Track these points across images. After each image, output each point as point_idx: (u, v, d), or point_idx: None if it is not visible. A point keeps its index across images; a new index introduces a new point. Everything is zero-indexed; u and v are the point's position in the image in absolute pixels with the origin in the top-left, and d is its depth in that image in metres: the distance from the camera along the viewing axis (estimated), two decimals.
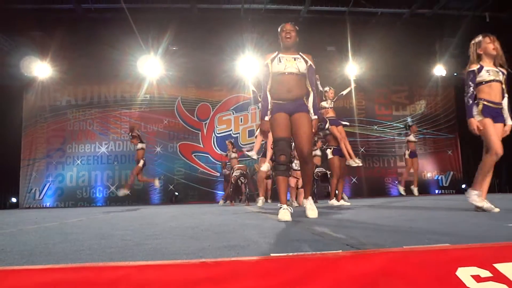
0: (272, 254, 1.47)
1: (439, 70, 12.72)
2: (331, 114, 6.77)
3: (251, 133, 12.41)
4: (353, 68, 12.19)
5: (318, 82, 6.87)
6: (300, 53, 3.50)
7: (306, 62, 3.43)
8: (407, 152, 9.53)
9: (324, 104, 6.83)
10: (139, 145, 8.76)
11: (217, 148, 12.67)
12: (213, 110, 12.88)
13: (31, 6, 10.37)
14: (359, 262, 1.31)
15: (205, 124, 12.82)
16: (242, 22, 11.10)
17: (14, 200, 12.60)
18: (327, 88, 6.98)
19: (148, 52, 11.32)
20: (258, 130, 5.78)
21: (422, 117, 13.60)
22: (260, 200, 6.64)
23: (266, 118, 3.39)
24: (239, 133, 12.77)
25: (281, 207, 3.19)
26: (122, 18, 10.56)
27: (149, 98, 12.82)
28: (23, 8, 10.34)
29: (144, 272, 1.22)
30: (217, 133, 12.79)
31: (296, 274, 1.27)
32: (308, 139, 3.31)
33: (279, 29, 3.56)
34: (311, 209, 3.33)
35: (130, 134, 9.01)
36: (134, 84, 12.66)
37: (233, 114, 12.81)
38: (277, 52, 3.52)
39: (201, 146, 12.56)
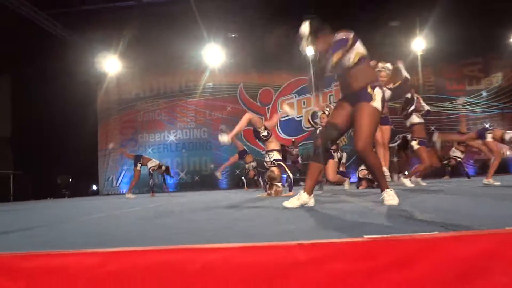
0: (365, 236, 1.45)
1: None
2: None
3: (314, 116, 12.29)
4: (419, 43, 11.57)
5: (401, 66, 6.17)
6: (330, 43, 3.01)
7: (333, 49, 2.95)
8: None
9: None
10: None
11: (281, 132, 12.70)
12: (275, 94, 12.89)
13: (98, 6, 10.96)
14: (460, 244, 1.26)
15: (268, 108, 12.87)
16: (301, 4, 10.88)
17: (94, 187, 13.63)
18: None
19: (209, 41, 11.54)
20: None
21: (499, 91, 12.61)
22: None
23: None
24: (302, 116, 12.69)
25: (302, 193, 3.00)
26: (183, 10, 10.84)
27: (212, 86, 13.10)
28: (91, 8, 10.96)
29: (243, 253, 1.25)
30: (280, 117, 12.79)
31: (395, 256, 1.24)
32: (363, 133, 2.84)
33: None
34: (390, 198, 2.86)
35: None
36: (197, 73, 13.02)
37: (296, 97, 12.72)
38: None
39: None
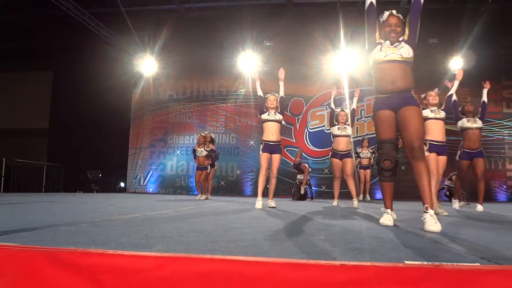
0: (406, 262, 1.47)
1: None
2: None
3: None
4: (458, 62, 11.37)
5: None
6: (404, 39, 3.11)
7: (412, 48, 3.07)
8: None
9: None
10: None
11: (309, 143, 12.69)
12: (306, 105, 12.90)
13: (140, 7, 11.31)
14: (506, 278, 1.26)
15: (298, 119, 12.89)
16: (337, 16, 10.91)
17: (122, 184, 13.95)
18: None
19: (244, 47, 11.69)
20: None
21: None
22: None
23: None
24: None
25: (385, 212, 3.05)
26: (221, 16, 11.07)
27: (244, 93, 13.22)
28: (133, 10, 11.32)
29: (289, 270, 1.29)
30: (310, 129, 12.79)
31: (438, 285, 1.26)
32: (419, 133, 2.91)
33: (380, 19, 3.17)
34: (433, 221, 2.63)
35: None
36: (230, 79, 13.19)
37: (327, 109, 12.68)
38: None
39: (294, 141, 12.67)
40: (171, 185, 13.43)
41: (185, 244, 1.83)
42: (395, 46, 3.05)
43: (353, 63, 11.39)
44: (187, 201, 7.03)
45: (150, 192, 13.46)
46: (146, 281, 1.23)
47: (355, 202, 6.47)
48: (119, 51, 12.22)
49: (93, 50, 11.78)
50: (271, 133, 5.55)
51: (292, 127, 12.88)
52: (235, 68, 12.43)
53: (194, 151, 9.42)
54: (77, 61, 12.27)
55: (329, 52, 11.40)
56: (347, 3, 10.86)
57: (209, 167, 9.35)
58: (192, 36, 11.94)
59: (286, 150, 12.62)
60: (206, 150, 9.12)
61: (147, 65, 12.59)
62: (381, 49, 3.09)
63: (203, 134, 9.41)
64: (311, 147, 12.65)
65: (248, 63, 12.07)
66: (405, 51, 3.02)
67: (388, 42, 3.09)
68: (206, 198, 8.95)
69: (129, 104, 14.02)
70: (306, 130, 12.78)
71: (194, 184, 13.09)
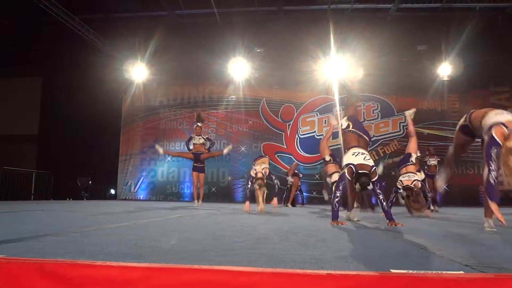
0: (392, 270, 1.49)
1: None
2: None
3: (335, 135, 12.24)
4: (446, 68, 11.52)
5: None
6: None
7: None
8: None
9: None
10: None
11: (300, 149, 12.73)
12: (297, 112, 12.95)
13: (130, 14, 11.31)
14: (489, 286, 1.28)
15: (289, 125, 12.93)
16: (328, 23, 11.00)
17: (112, 191, 13.83)
18: None
19: (235, 54, 11.73)
20: None
21: None
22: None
23: None
24: (322, 134, 12.69)
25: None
26: (212, 23, 11.10)
27: (235, 99, 13.24)
28: (124, 16, 11.31)
29: (275, 279, 1.31)
30: (301, 135, 12.83)
31: None
32: None
33: None
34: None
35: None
36: (221, 85, 13.19)
37: (317, 115, 12.76)
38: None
39: (285, 147, 12.70)
40: (162, 192, 13.36)
41: (174, 253, 1.84)
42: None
43: (343, 69, 11.47)
44: (178, 209, 7.01)
45: (141, 199, 13.36)
46: None
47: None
48: (110, 58, 12.16)
49: (83, 56, 11.69)
50: None
51: (283, 133, 12.92)
52: (226, 74, 12.45)
53: (189, 139, 9.20)
54: (67, 67, 12.18)
55: (320, 58, 11.47)
56: (337, 10, 10.97)
57: (205, 168, 9.31)
58: (183, 42, 11.93)
59: (277, 156, 12.67)
60: (203, 138, 9.06)
61: (137, 71, 12.53)
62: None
63: (200, 125, 9.19)
64: (302, 153, 12.69)
65: (239, 69, 12.11)
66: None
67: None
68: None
69: (120, 110, 13.92)
70: (297, 136, 12.82)
71: (190, 190, 13.07)
